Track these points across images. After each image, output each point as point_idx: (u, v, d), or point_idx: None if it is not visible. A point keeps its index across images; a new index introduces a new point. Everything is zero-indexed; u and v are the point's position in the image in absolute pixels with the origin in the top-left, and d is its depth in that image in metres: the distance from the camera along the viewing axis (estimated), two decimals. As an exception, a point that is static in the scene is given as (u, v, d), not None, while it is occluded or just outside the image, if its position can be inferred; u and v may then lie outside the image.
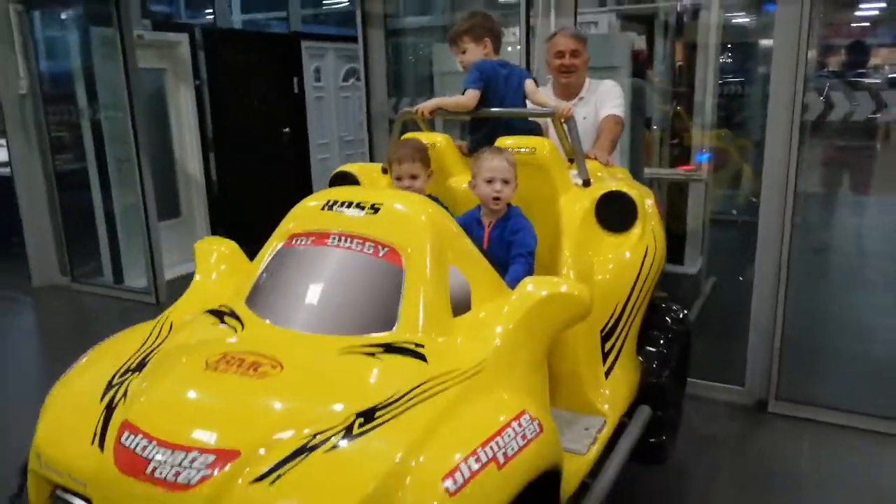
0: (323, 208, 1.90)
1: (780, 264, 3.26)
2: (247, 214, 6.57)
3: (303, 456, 1.34)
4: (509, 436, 1.46)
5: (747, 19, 5.42)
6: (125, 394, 1.57)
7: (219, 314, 1.82)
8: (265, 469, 1.32)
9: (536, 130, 2.78)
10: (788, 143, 3.12)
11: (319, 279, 1.82)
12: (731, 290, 3.51)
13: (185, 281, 5.31)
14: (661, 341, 2.49)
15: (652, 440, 2.42)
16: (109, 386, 1.61)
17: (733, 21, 4.96)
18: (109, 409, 1.53)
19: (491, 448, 1.42)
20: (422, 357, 1.59)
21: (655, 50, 5.12)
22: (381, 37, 4.22)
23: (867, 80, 3.54)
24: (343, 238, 1.82)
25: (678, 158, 5.44)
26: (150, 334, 1.84)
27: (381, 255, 1.76)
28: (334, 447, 1.35)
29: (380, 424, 1.40)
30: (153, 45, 5.91)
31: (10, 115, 5.64)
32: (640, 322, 2.42)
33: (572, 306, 1.74)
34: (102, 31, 5.39)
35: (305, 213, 1.95)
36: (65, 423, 1.58)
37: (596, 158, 2.83)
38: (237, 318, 1.79)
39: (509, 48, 3.97)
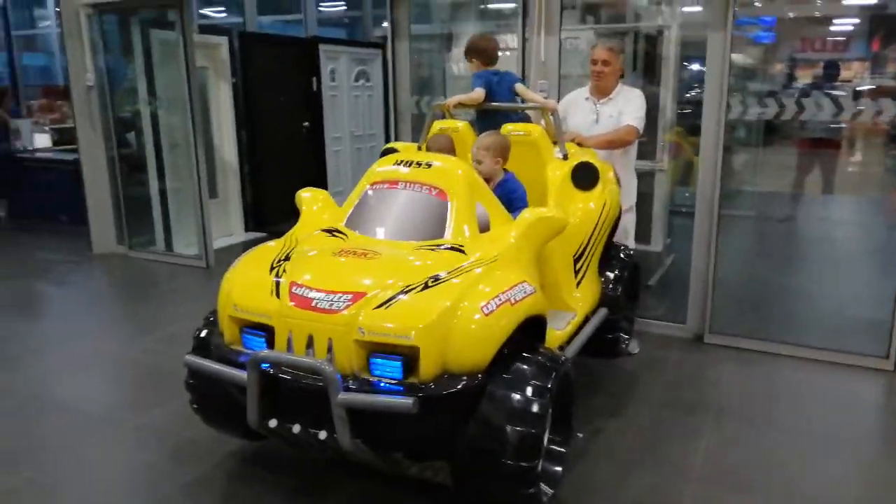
0: (394, 164, 2.92)
1: (711, 223, 4.31)
2: (271, 197, 7.58)
3: (402, 295, 2.33)
4: (517, 290, 2.48)
5: (702, 38, 6.49)
6: (284, 270, 2.54)
7: (329, 231, 2.83)
8: (381, 301, 2.31)
9: (527, 120, 3.83)
10: (717, 134, 4.17)
11: (395, 208, 2.82)
12: (687, 264, 4.69)
13: (226, 251, 6.31)
14: (616, 268, 3.58)
15: (609, 336, 3.48)
16: (272, 268, 2.59)
17: (690, 39, 5.98)
18: (277, 277, 2.51)
19: (507, 294, 2.42)
20: (462, 251, 2.61)
21: (626, 62, 6.16)
22: (406, 44, 5.23)
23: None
24: (409, 184, 2.83)
25: (646, 153, 6.49)
26: (285, 244, 2.81)
27: (433, 193, 2.79)
28: (419, 292, 2.35)
29: (443, 283, 2.40)
30: (199, 47, 6.82)
31: (78, 105, 6.59)
32: (601, 252, 3.49)
33: (554, 223, 2.80)
34: (161, 33, 6.36)
35: (381, 169, 2.96)
36: (249, 287, 2.53)
37: (579, 143, 3.86)
38: (342, 233, 2.81)
39: (507, 52, 5.02)
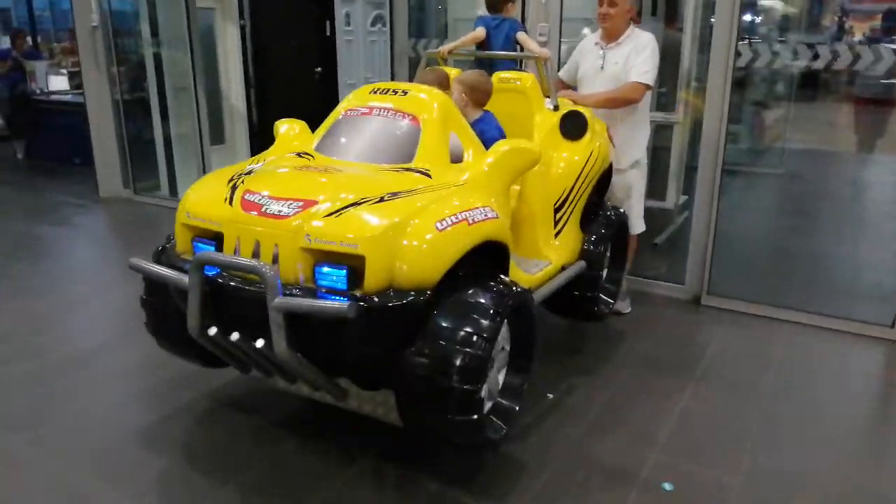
0: (370, 93, 2.84)
1: (714, 179, 4.07)
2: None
3: (355, 206, 2.24)
4: (477, 212, 2.38)
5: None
6: (242, 182, 2.47)
7: (298, 154, 2.77)
8: (332, 210, 2.22)
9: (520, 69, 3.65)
10: (724, 83, 3.90)
11: (365, 133, 2.74)
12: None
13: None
14: (601, 226, 3.41)
15: (588, 294, 3.33)
16: (231, 180, 2.53)
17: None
18: (233, 188, 2.45)
19: (465, 214, 2.33)
20: (428, 175, 2.53)
21: (645, 4, 5.82)
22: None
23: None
24: (383, 110, 2.74)
25: (664, 105, 6.18)
26: (251, 161, 2.77)
27: (406, 119, 2.70)
28: (373, 204, 2.25)
29: (400, 198, 2.31)
30: (205, -14, 6.69)
31: (83, 46, 6.51)
32: (583, 206, 3.33)
33: (526, 154, 2.68)
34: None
35: (357, 96, 2.88)
36: (203, 195, 2.48)
37: (574, 100, 3.64)
38: (310, 155, 2.74)
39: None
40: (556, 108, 3.41)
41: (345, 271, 2.16)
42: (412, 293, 2.18)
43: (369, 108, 2.79)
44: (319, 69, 8.08)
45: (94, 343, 3.74)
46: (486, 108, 3.16)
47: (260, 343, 2.23)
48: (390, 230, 2.18)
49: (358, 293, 2.16)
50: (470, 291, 2.30)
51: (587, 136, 3.30)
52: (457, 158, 2.73)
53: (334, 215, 2.22)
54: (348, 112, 2.84)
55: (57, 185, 7.52)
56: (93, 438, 2.83)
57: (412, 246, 2.20)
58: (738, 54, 3.85)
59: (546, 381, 3.25)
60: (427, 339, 2.21)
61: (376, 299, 2.14)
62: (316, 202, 2.26)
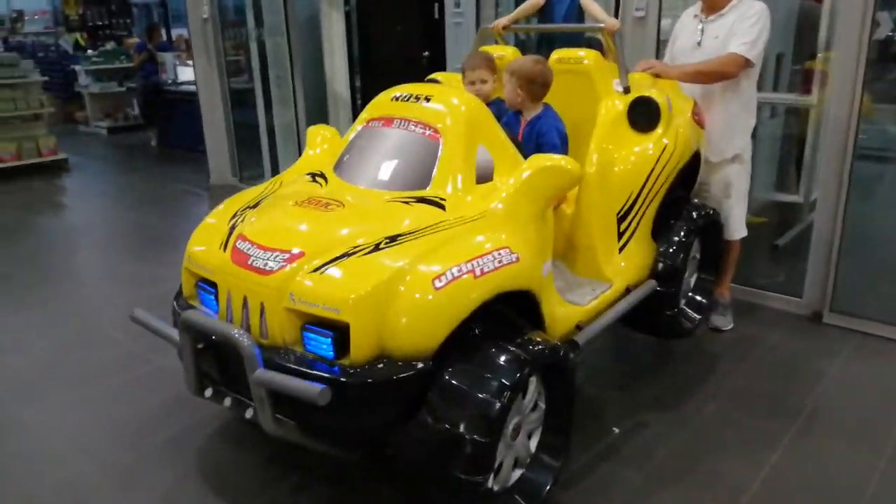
0: (392, 100, 2.52)
1: (842, 174, 3.40)
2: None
3: (344, 258, 1.98)
4: (488, 259, 2.02)
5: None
6: (243, 220, 2.29)
7: (313, 175, 2.52)
8: (319, 265, 1.97)
9: (594, 44, 3.17)
10: (856, 58, 3.22)
11: (382, 151, 2.44)
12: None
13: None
14: (680, 231, 2.88)
15: (667, 313, 2.85)
16: (234, 216, 2.35)
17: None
18: (232, 228, 2.26)
19: (471, 264, 1.98)
20: (442, 206, 2.18)
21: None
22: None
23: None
24: (403, 121, 2.42)
25: (799, 84, 5.37)
26: (266, 188, 2.56)
27: (426, 134, 2.35)
28: (365, 255, 1.98)
29: (399, 244, 2.01)
30: (309, -27, 6.65)
31: (195, 38, 6.71)
32: (656, 209, 2.83)
33: (563, 174, 2.23)
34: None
35: (380, 103, 2.58)
36: (205, 238, 2.32)
37: (657, 75, 3.12)
38: (324, 178, 2.48)
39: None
40: (626, 90, 2.90)
41: (330, 339, 1.90)
42: (406, 364, 1.89)
43: (389, 119, 2.47)
44: (427, 53, 7.89)
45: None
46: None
47: (249, 413, 2.03)
48: (377, 291, 1.89)
49: (346, 362, 1.90)
50: (478, 359, 1.96)
51: (660, 125, 2.79)
52: (486, 175, 2.35)
53: (320, 271, 1.96)
54: (369, 124, 2.54)
55: (179, 172, 7.88)
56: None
57: (403, 309, 1.89)
58: (875, 24, 3.15)
59: (613, 412, 2.84)
60: (425, 419, 1.91)
61: (361, 372, 1.87)
62: (303, 253, 2.01)
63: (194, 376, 2.14)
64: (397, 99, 2.50)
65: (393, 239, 2.03)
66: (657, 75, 3.11)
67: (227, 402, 2.11)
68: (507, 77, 2.68)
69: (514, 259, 2.08)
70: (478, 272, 1.98)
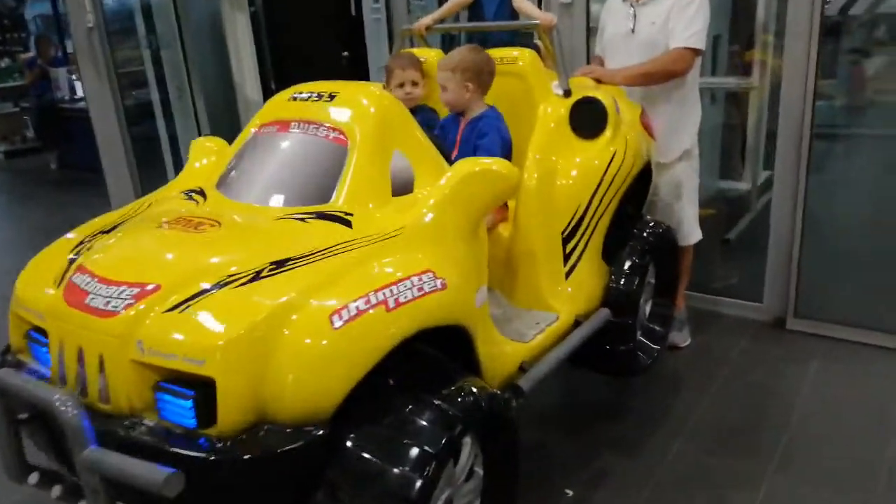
0: (290, 100, 2.07)
1: (799, 159, 3.07)
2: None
3: (211, 291, 1.51)
4: (405, 286, 1.59)
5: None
6: (89, 248, 1.79)
7: (189, 193, 2.03)
8: (179, 300, 1.49)
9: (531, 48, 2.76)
10: (808, 34, 2.88)
11: (275, 160, 2.00)
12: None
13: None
14: (634, 253, 2.48)
15: (622, 348, 2.44)
16: (80, 244, 1.84)
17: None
18: (73, 259, 1.76)
19: (383, 293, 1.55)
20: (348, 223, 1.74)
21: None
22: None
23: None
24: (302, 124, 1.97)
25: (737, 68, 5.11)
26: (130, 210, 2.06)
27: (331, 138, 1.91)
28: (240, 286, 1.51)
29: (286, 271, 1.55)
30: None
31: (81, 50, 6.02)
32: (606, 227, 2.43)
33: (496, 180, 1.83)
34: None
35: (275, 105, 2.13)
36: (39, 272, 1.81)
37: (598, 81, 2.72)
38: (203, 194, 2.00)
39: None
40: (566, 93, 2.49)
41: (190, 401, 1.42)
42: (294, 431, 1.42)
43: (285, 122, 2.02)
44: (346, 53, 7.40)
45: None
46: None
47: None
48: (252, 335, 1.43)
49: (213, 432, 1.42)
50: (391, 420, 1.51)
51: (608, 130, 2.39)
52: (404, 186, 1.93)
53: (178, 309, 1.48)
54: (261, 129, 2.08)
55: (81, 196, 7.14)
56: None
57: (289, 358, 1.44)
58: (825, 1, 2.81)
59: (565, 466, 2.42)
60: (325, 497, 1.45)
61: (232, 446, 1.39)
62: (159, 287, 1.52)
63: (12, 457, 1.63)
64: (296, 98, 2.06)
65: (280, 265, 1.57)
66: (598, 81, 2.70)
67: (56, 491, 1.61)
68: (449, 75, 2.28)
69: (438, 286, 1.66)
70: (391, 303, 1.55)
